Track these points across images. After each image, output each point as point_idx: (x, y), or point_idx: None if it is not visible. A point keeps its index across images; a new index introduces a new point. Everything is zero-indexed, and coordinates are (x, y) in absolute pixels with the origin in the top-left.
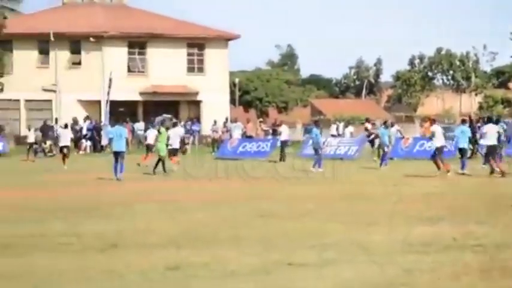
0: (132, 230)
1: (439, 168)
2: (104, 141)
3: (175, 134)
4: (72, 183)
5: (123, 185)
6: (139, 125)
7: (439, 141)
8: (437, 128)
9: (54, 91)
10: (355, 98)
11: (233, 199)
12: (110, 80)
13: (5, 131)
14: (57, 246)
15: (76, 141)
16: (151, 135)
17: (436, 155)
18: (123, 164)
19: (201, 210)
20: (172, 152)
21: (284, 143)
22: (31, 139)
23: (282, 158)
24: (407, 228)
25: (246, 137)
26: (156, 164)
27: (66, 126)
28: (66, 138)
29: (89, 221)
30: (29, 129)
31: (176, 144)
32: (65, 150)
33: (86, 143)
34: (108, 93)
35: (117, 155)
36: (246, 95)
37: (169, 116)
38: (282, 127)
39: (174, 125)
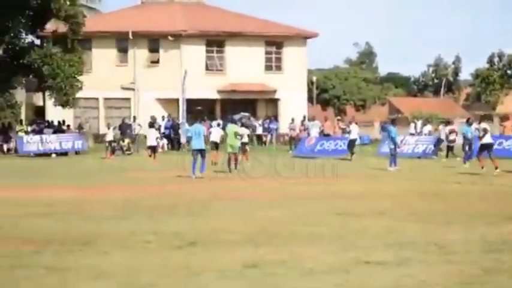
0: (209, 227)
1: None
2: (182, 139)
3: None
4: (152, 181)
5: (201, 183)
6: (217, 124)
7: None
8: None
9: (133, 89)
10: (434, 96)
11: (310, 197)
12: (184, 78)
13: (84, 129)
14: (136, 244)
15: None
16: (215, 133)
17: None
18: (204, 162)
19: (278, 207)
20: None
21: (352, 142)
22: (110, 137)
23: (350, 156)
24: (486, 227)
25: (324, 135)
26: (228, 162)
27: (151, 125)
28: (152, 138)
29: (167, 219)
30: (108, 127)
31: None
32: (149, 151)
33: (164, 141)
34: (183, 91)
35: (197, 153)
36: (324, 93)
37: (247, 114)
38: (351, 125)
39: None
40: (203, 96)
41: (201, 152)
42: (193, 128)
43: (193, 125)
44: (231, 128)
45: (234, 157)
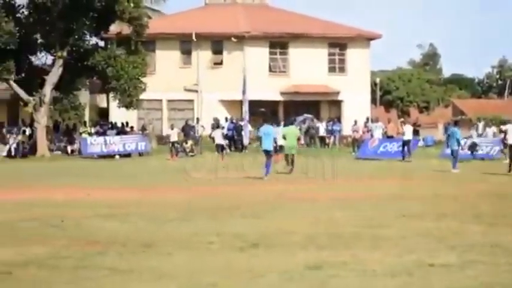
0: (272, 229)
1: None
2: (245, 141)
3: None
4: (215, 182)
5: (264, 184)
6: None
7: None
8: None
9: (196, 91)
10: (498, 98)
11: (373, 198)
12: (244, 79)
13: (147, 131)
14: (198, 245)
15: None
16: (218, 136)
17: None
18: (270, 164)
19: (341, 209)
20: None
21: (406, 143)
22: (173, 138)
23: (404, 157)
24: None
25: (387, 137)
26: (287, 162)
27: (217, 126)
28: (219, 137)
29: (230, 220)
30: (172, 128)
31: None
32: (220, 150)
33: (226, 143)
34: (244, 93)
35: (265, 153)
36: (387, 94)
37: (310, 116)
38: (405, 127)
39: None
40: (266, 98)
41: (267, 153)
42: (263, 129)
43: (263, 126)
44: (292, 129)
45: (292, 158)
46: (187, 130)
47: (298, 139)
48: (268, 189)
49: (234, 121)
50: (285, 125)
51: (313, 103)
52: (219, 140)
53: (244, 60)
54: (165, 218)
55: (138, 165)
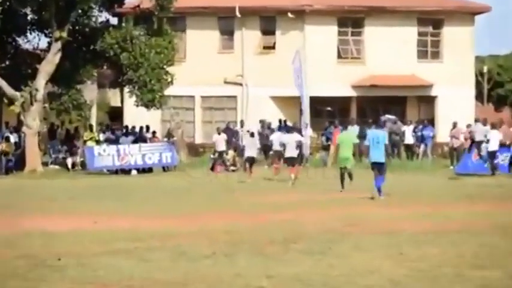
0: (342, 268)
1: None
2: (306, 151)
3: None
4: (268, 206)
5: (328, 208)
6: (352, 129)
7: None
8: None
9: (240, 84)
10: None
11: (476, 228)
12: (295, 62)
13: (174, 138)
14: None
15: (266, 151)
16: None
17: None
18: (382, 178)
19: (434, 243)
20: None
21: (492, 154)
22: (221, 147)
23: (492, 170)
24: None
25: (500, 145)
26: (341, 179)
27: (252, 134)
28: (252, 148)
29: (285, 257)
30: (219, 133)
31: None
32: (249, 165)
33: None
34: (300, 86)
35: (375, 167)
36: (498, 88)
37: (392, 117)
38: (491, 133)
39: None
40: (334, 93)
41: (378, 166)
42: (371, 134)
43: (372, 131)
44: (349, 135)
45: (348, 171)
46: (228, 136)
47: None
48: (335, 214)
49: (292, 124)
50: (376, 126)
51: (397, 100)
52: (251, 151)
53: (305, 43)
54: (198, 253)
55: (163, 183)
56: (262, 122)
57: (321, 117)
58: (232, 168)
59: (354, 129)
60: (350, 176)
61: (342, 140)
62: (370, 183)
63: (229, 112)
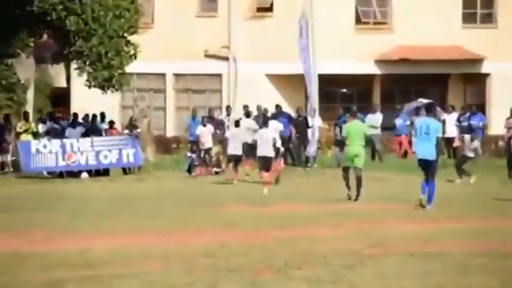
0: None
1: None
2: (311, 149)
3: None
4: (261, 220)
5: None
6: (374, 118)
7: None
8: None
9: (226, 59)
10: None
11: None
12: (303, 32)
13: (139, 129)
14: None
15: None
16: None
17: None
18: (432, 183)
19: (488, 270)
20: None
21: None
22: (207, 143)
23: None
24: None
25: None
26: (346, 183)
27: (237, 123)
28: (236, 143)
29: (288, 286)
30: (204, 125)
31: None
32: (234, 165)
33: (281, 151)
34: (306, 60)
35: (423, 166)
36: None
37: (427, 101)
38: None
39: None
40: (350, 70)
41: (426, 164)
42: (419, 123)
43: (421, 119)
44: (357, 126)
45: (357, 173)
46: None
47: (368, 143)
48: (351, 231)
49: (298, 113)
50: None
51: (435, 79)
52: (235, 146)
53: (312, 3)
54: (173, 283)
55: (124, 190)
56: (246, 107)
57: (334, 102)
58: (215, 169)
59: (376, 118)
60: (359, 180)
61: (349, 132)
62: (389, 190)
63: (212, 96)
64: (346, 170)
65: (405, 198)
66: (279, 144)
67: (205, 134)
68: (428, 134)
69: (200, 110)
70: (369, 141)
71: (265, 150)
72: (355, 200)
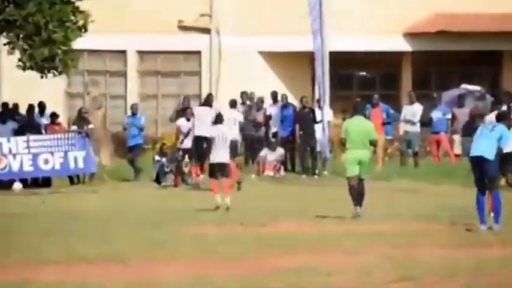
0: None
1: None
2: (325, 151)
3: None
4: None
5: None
6: (411, 110)
7: None
8: None
9: (207, 31)
10: None
11: None
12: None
13: (90, 125)
14: None
15: (251, 147)
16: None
17: None
18: (495, 192)
19: None
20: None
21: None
22: (187, 143)
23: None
24: None
25: None
26: (350, 193)
27: (219, 118)
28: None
29: None
30: (187, 119)
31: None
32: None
33: (278, 153)
34: (315, 34)
35: (478, 168)
36: None
37: (476, 88)
38: None
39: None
40: (371, 47)
41: (485, 165)
42: (484, 127)
43: (486, 119)
44: (361, 123)
45: (359, 185)
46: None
47: (373, 144)
48: (375, 258)
49: (303, 103)
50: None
51: (485, 57)
52: (219, 154)
53: None
54: None
55: (71, 206)
56: (245, 94)
57: (349, 89)
58: (195, 180)
59: (414, 110)
60: (360, 193)
61: (350, 130)
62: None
63: (189, 79)
64: (350, 180)
65: (445, 216)
66: (236, 136)
67: (182, 124)
68: (494, 131)
69: (172, 99)
70: (404, 141)
71: (219, 154)
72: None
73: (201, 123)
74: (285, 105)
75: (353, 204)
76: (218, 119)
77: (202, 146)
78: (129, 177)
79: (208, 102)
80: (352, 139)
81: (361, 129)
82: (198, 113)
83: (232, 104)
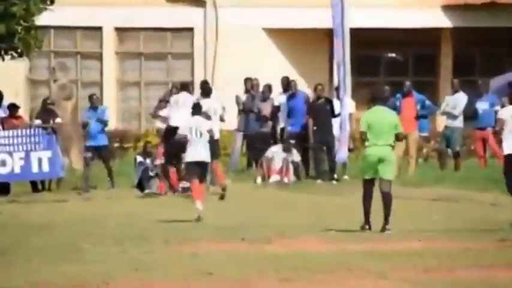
0: None
1: None
2: (342, 151)
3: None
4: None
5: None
6: (454, 101)
7: None
8: None
9: (201, 4)
10: None
11: None
12: None
13: (58, 119)
14: None
15: (255, 146)
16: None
17: None
18: None
19: None
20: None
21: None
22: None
23: None
24: None
25: None
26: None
27: (197, 109)
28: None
29: None
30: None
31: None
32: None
33: (291, 156)
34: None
35: None
36: None
37: None
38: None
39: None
40: (400, 23)
41: None
42: None
43: None
44: (385, 114)
45: (384, 191)
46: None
47: (399, 138)
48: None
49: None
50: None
51: None
52: (198, 150)
53: None
54: None
55: (36, 217)
56: (249, 81)
57: (375, 75)
58: (183, 184)
59: (457, 101)
60: (386, 200)
61: (371, 123)
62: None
63: (179, 63)
64: (369, 183)
65: (492, 231)
66: (216, 134)
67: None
68: None
69: (158, 87)
70: (443, 139)
71: (199, 152)
72: (382, 230)
73: (176, 113)
74: (293, 94)
75: (364, 219)
76: (195, 110)
77: (174, 143)
78: (105, 182)
79: (205, 92)
80: (373, 133)
81: (383, 120)
82: (175, 100)
83: (205, 91)
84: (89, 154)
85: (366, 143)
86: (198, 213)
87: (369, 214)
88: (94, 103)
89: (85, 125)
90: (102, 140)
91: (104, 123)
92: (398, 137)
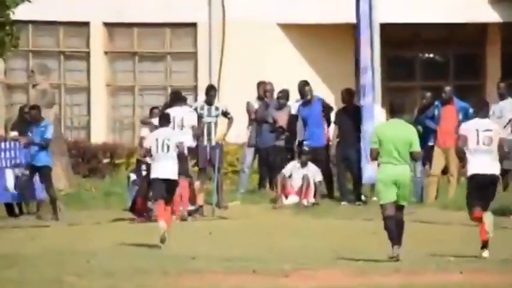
0: None
1: None
2: (367, 170)
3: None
4: None
5: None
6: (500, 108)
7: None
8: None
9: None
10: None
11: None
12: None
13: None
14: None
15: (266, 160)
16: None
17: None
18: None
19: None
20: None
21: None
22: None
23: None
24: None
25: None
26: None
27: (165, 119)
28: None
29: None
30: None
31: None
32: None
33: (310, 172)
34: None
35: None
36: None
37: None
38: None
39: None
40: (440, 18)
41: None
42: None
43: None
44: (400, 127)
45: (397, 215)
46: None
47: (414, 158)
48: None
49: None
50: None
51: None
52: (165, 166)
53: None
54: None
55: (12, 248)
56: (262, 86)
57: (409, 80)
58: (190, 207)
59: (501, 108)
60: (398, 225)
61: (383, 139)
62: None
63: (180, 65)
64: (385, 207)
65: None
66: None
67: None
68: None
69: (155, 92)
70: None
71: (165, 168)
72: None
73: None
74: (308, 101)
75: (391, 244)
76: (163, 120)
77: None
78: (93, 204)
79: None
80: (386, 150)
81: (398, 136)
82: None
83: (176, 97)
84: (26, 172)
85: (379, 161)
86: (161, 233)
87: (394, 239)
88: (36, 116)
89: (29, 144)
90: (45, 160)
91: (46, 141)
92: (413, 157)
